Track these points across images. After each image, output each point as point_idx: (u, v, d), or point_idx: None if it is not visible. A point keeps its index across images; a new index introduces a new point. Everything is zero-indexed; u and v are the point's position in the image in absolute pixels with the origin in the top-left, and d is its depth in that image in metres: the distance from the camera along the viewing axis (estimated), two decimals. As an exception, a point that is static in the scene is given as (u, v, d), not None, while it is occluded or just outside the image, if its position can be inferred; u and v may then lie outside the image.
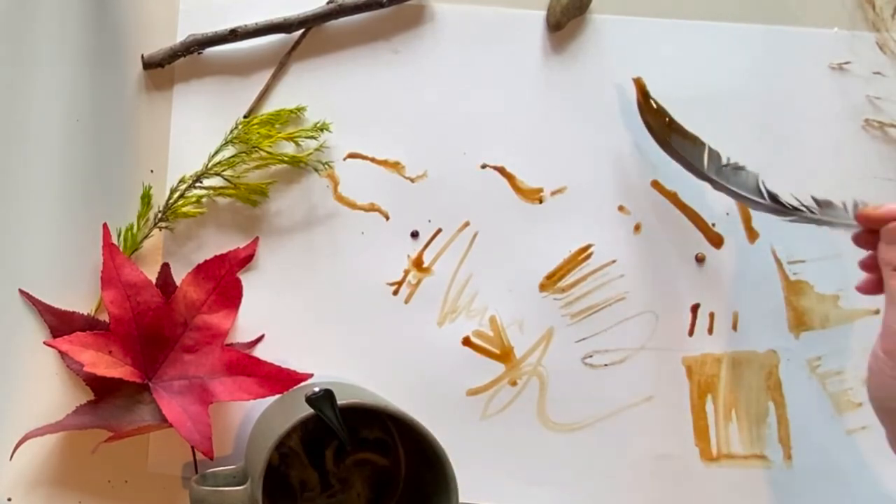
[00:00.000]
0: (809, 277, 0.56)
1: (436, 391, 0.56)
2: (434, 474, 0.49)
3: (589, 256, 0.57)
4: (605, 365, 0.56)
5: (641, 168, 0.57)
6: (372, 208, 0.57)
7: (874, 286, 0.48)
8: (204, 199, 0.56)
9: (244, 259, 0.56)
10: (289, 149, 0.56)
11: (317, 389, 0.47)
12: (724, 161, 0.53)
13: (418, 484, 0.54)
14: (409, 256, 0.57)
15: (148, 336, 0.54)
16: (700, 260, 0.56)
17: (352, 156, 0.57)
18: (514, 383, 0.56)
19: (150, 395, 0.54)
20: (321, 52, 0.57)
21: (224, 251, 0.56)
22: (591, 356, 0.56)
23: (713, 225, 0.56)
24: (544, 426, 0.56)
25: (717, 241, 0.56)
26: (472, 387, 0.56)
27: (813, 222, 0.51)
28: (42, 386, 0.56)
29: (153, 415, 0.54)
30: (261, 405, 0.54)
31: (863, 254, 0.49)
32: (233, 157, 0.56)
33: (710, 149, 0.54)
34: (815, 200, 0.51)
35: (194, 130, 0.57)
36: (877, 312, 0.55)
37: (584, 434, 0.56)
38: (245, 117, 0.57)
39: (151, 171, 0.57)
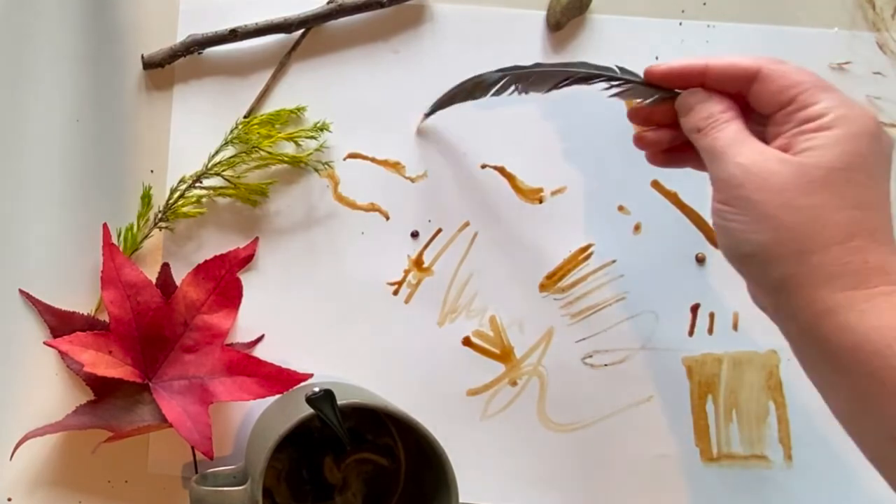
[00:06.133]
0: (809, 277, 0.56)
1: (436, 391, 0.56)
2: (434, 474, 0.49)
3: (589, 256, 0.57)
4: (605, 365, 0.56)
5: (641, 168, 0.57)
6: (372, 208, 0.57)
7: (662, 159, 0.51)
8: (204, 199, 0.56)
9: (244, 259, 0.56)
10: (289, 149, 0.56)
11: (317, 389, 0.47)
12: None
13: (418, 484, 0.54)
14: (409, 256, 0.57)
15: (148, 336, 0.54)
16: (700, 260, 0.56)
17: (352, 156, 0.57)
18: (514, 383, 0.56)
19: (150, 395, 0.54)
20: (321, 52, 0.57)
21: (224, 251, 0.56)
22: (591, 356, 0.56)
23: (713, 225, 0.56)
24: (544, 426, 0.56)
25: (717, 241, 0.56)
26: (472, 387, 0.56)
27: (592, 77, 0.50)
28: (42, 386, 0.56)
29: (153, 415, 0.54)
30: (261, 405, 0.54)
31: None
32: (233, 157, 0.56)
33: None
34: (585, 63, 0.51)
35: (194, 130, 0.57)
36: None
37: (584, 434, 0.56)
38: (245, 117, 0.57)
39: (151, 171, 0.57)
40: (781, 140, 0.43)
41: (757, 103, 0.45)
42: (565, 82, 0.51)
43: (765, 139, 0.44)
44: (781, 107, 0.43)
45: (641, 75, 0.49)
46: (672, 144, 0.50)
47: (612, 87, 0.50)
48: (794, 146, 0.42)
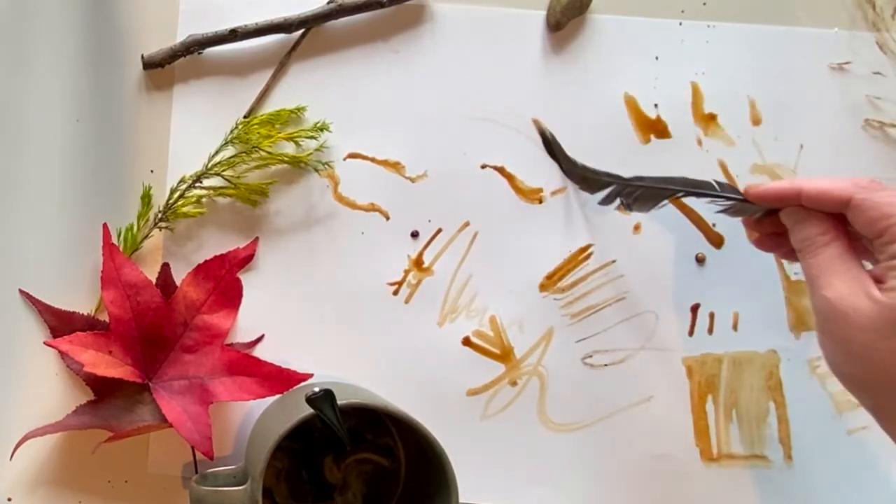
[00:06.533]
0: (809, 277, 0.56)
1: (436, 391, 0.56)
2: (434, 474, 0.49)
3: (589, 256, 0.57)
4: (605, 365, 0.56)
5: (641, 168, 0.57)
6: (372, 208, 0.57)
7: (794, 257, 0.49)
8: (204, 199, 0.56)
9: (244, 259, 0.56)
10: (289, 149, 0.56)
11: (317, 389, 0.47)
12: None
13: (418, 484, 0.54)
14: (409, 256, 0.57)
15: (148, 336, 0.54)
16: (700, 260, 0.56)
17: (352, 156, 0.57)
18: (514, 383, 0.56)
19: (150, 395, 0.54)
20: (321, 52, 0.57)
21: (224, 251, 0.56)
22: (591, 356, 0.56)
23: (713, 225, 0.56)
24: (544, 426, 0.56)
25: (717, 241, 0.56)
26: (472, 387, 0.56)
27: (692, 195, 0.51)
28: (42, 386, 0.56)
29: (153, 415, 0.54)
30: (261, 405, 0.54)
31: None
32: (233, 157, 0.56)
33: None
34: (685, 179, 0.51)
35: (194, 130, 0.57)
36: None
37: (584, 434, 0.56)
38: (245, 117, 0.57)
39: (151, 171, 0.57)
40: (878, 269, 0.43)
41: (854, 227, 0.44)
42: (667, 201, 0.52)
43: None
44: (875, 236, 0.42)
45: (741, 190, 0.48)
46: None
47: (715, 202, 0.50)
48: (886, 279, 0.42)
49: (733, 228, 0.56)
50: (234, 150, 0.56)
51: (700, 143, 0.57)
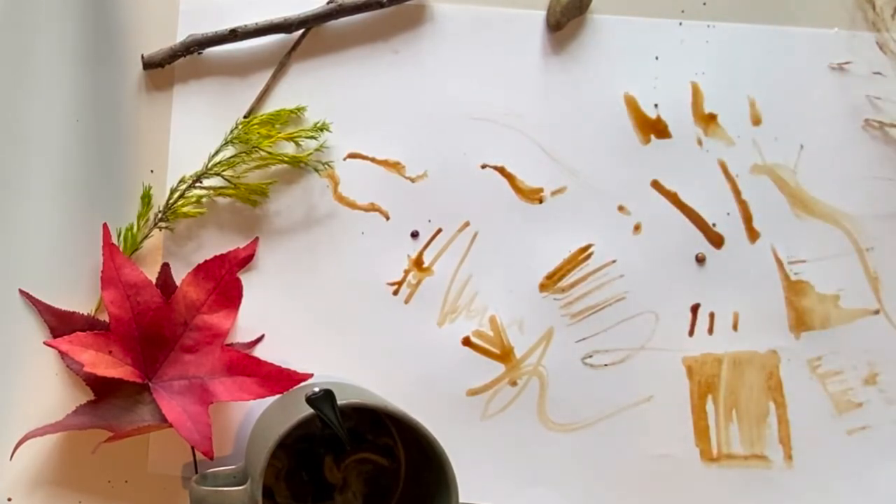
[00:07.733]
0: (810, 277, 0.56)
1: (436, 391, 0.56)
2: (434, 474, 0.49)
3: (589, 256, 0.57)
4: (605, 365, 0.56)
5: (641, 168, 0.57)
6: (372, 208, 0.57)
7: None
8: (204, 199, 0.56)
9: (244, 259, 0.56)
10: (289, 149, 0.56)
11: (317, 389, 0.47)
12: None
13: (418, 484, 0.54)
14: (409, 256, 0.57)
15: (148, 336, 0.54)
16: (700, 260, 0.56)
17: (352, 156, 0.57)
18: (514, 383, 0.56)
19: (150, 395, 0.54)
20: (321, 52, 0.57)
21: (224, 251, 0.55)
22: (591, 356, 0.56)
23: (713, 225, 0.56)
24: (544, 426, 0.56)
25: (717, 241, 0.56)
26: (472, 387, 0.56)
27: None
28: (42, 386, 0.56)
29: (153, 415, 0.54)
30: (261, 405, 0.54)
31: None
32: (233, 157, 0.56)
33: None
34: None
35: (194, 130, 0.57)
36: (877, 312, 0.55)
37: (584, 434, 0.56)
38: (245, 117, 0.57)
39: (151, 171, 0.57)
40: None
41: None
42: None
43: None
44: None
45: None
46: None
47: None
48: None
49: (733, 228, 0.56)
50: (234, 150, 0.56)
51: (700, 143, 0.57)
